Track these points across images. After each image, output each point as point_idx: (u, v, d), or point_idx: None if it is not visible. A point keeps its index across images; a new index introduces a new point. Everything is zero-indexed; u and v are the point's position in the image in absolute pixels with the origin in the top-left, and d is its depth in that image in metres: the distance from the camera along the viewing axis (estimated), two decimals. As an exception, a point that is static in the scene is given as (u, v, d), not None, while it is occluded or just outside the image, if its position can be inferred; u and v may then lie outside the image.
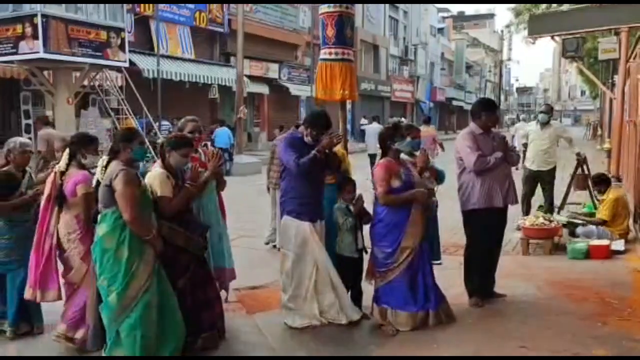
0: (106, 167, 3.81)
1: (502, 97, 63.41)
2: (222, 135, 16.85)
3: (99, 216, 3.70)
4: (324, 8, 5.50)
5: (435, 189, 4.88)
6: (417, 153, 4.73)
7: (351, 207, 4.62)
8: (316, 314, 4.44)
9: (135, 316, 3.60)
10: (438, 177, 4.92)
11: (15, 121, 16.22)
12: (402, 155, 4.51)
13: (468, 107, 53.51)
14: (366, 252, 4.70)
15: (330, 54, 5.55)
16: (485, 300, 5.00)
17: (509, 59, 67.34)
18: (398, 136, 4.42)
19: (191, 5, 21.37)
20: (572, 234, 7.21)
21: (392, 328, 4.35)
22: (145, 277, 3.63)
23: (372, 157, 13.81)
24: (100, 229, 3.66)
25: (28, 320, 4.39)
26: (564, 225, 7.28)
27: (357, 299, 4.74)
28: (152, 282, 3.65)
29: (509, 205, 5.07)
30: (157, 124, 16.93)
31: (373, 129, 14.76)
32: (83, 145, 4.10)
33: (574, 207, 8.54)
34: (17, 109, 16.15)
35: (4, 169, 4.46)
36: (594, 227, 7.07)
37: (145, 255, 3.65)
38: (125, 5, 15.30)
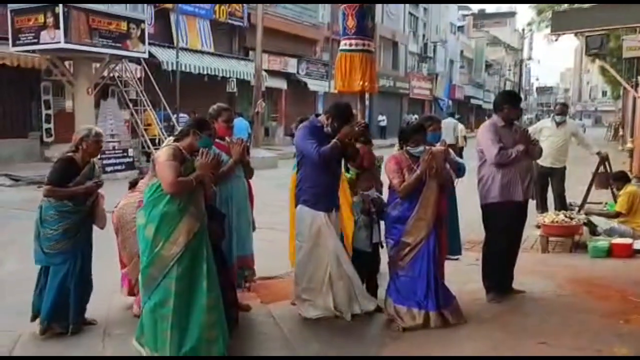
0: None
1: (522, 97, 62.70)
2: (240, 126, 16.83)
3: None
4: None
5: (455, 182, 4.80)
6: (438, 144, 4.66)
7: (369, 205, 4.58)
8: (330, 305, 4.38)
9: (155, 300, 3.51)
10: (458, 169, 4.83)
11: (36, 111, 16.40)
12: (422, 149, 4.42)
13: (486, 106, 53.33)
14: (382, 246, 4.63)
15: (350, 45, 5.47)
16: (503, 296, 4.90)
17: (530, 58, 66.45)
18: (415, 139, 4.34)
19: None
20: (593, 233, 7.07)
21: (399, 324, 4.25)
22: (169, 259, 3.49)
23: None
24: (142, 205, 3.67)
25: (63, 320, 4.18)
26: (585, 224, 7.15)
27: (373, 293, 4.68)
28: (176, 267, 3.50)
29: (529, 200, 4.97)
30: (175, 116, 16.99)
31: (448, 123, 15.51)
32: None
33: (594, 207, 8.37)
34: (38, 99, 16.34)
35: (69, 154, 4.27)
36: (616, 225, 6.94)
37: (173, 236, 3.51)
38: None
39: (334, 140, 4.25)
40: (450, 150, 4.63)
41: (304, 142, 4.35)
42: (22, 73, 15.00)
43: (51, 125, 16.37)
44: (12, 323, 4.44)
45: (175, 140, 3.74)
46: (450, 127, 16.12)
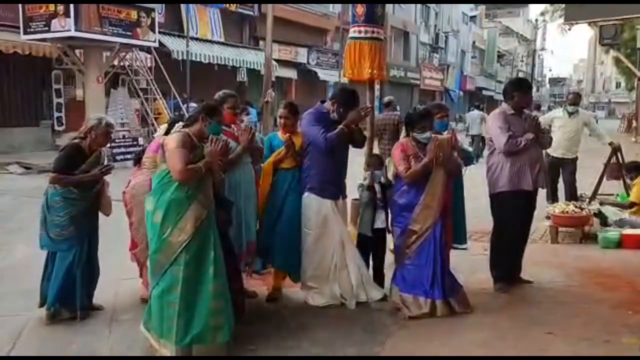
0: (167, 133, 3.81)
1: (534, 88, 62.20)
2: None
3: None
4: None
5: (464, 171, 4.76)
6: (445, 133, 4.62)
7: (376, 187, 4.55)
8: (336, 293, 4.38)
9: (163, 286, 3.50)
10: (466, 158, 4.78)
11: (47, 99, 16.48)
12: (428, 135, 4.38)
13: (498, 97, 52.78)
14: (389, 231, 4.60)
15: (360, 32, 5.39)
16: (511, 286, 4.86)
17: (543, 49, 65.83)
18: (421, 125, 4.30)
19: (222, -13, 21.33)
20: (604, 224, 6.99)
21: (405, 313, 4.23)
22: (177, 246, 3.47)
23: (473, 137, 16.17)
24: (151, 191, 3.67)
25: (70, 306, 4.19)
26: (595, 215, 7.07)
27: (379, 282, 4.67)
28: (184, 254, 3.49)
29: (539, 190, 4.92)
30: (185, 105, 17.00)
31: (475, 115, 16.63)
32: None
33: (607, 198, 8.28)
34: (49, 88, 16.42)
35: (76, 140, 4.27)
36: (627, 216, 6.86)
37: (181, 223, 3.49)
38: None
39: (340, 126, 4.22)
40: (459, 138, 4.58)
41: (309, 128, 4.33)
42: (33, 61, 15.06)
43: (62, 114, 16.44)
44: (21, 308, 4.47)
45: (184, 126, 3.70)
46: (477, 119, 16.12)
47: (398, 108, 8.88)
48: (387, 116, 7.79)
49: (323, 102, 4.61)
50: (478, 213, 6.16)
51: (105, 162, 4.42)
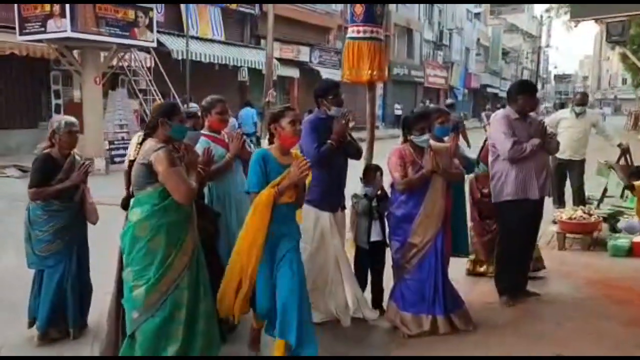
0: (141, 144, 3.30)
1: (539, 85, 61.77)
2: (247, 115, 16.60)
3: (132, 200, 3.27)
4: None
5: (466, 178, 4.51)
6: (446, 139, 4.38)
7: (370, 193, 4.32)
8: (332, 309, 4.15)
9: (161, 317, 3.18)
10: (468, 165, 4.54)
11: (45, 101, 16.31)
12: (430, 142, 4.14)
13: (503, 94, 52.38)
14: (386, 245, 4.37)
15: (358, 32, 5.16)
16: (517, 299, 4.63)
17: (548, 45, 65.35)
18: (419, 127, 4.05)
19: (223, -14, 21.13)
20: (613, 229, 6.75)
21: (404, 332, 4.01)
22: (180, 269, 3.21)
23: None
24: (134, 215, 3.21)
25: (61, 324, 4.01)
26: (604, 219, 6.82)
27: (376, 298, 4.45)
28: (186, 276, 3.24)
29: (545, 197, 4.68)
30: (185, 105, 16.79)
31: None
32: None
33: (614, 201, 8.03)
34: (48, 89, 16.24)
35: (46, 151, 4.02)
36: (637, 222, 6.60)
37: (184, 244, 3.23)
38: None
39: (329, 141, 4.01)
40: (460, 145, 4.34)
41: (304, 139, 4.10)
42: (31, 63, 14.90)
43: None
44: (3, 322, 4.29)
45: (145, 136, 3.31)
46: None
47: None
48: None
49: (310, 112, 4.38)
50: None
51: (80, 164, 4.10)
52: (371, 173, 4.39)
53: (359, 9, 5.18)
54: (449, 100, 10.24)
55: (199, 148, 3.82)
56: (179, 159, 3.29)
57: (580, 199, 7.72)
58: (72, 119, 4.16)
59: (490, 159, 4.73)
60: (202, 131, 4.19)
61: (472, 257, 5.32)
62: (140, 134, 3.48)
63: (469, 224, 5.03)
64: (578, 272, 5.47)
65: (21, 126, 15.51)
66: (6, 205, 9.28)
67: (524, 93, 4.59)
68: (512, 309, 4.52)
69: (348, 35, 5.28)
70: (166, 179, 3.13)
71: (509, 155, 4.45)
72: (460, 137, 9.96)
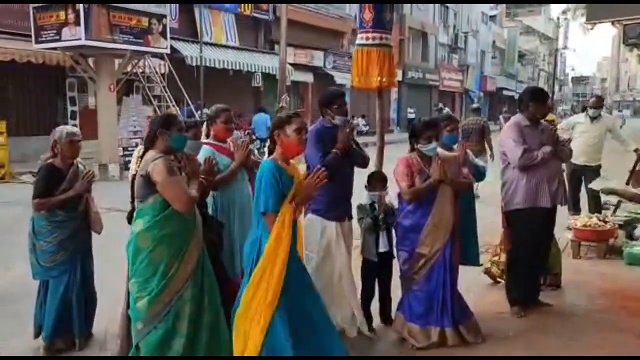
0: (142, 157, 3.33)
1: (557, 87, 61.17)
2: (260, 121, 16.58)
3: (135, 212, 3.29)
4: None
5: (475, 186, 4.43)
6: (455, 147, 4.30)
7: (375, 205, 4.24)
8: (338, 320, 4.08)
9: (164, 329, 3.18)
10: (477, 173, 4.45)
11: (61, 107, 16.47)
12: (439, 150, 4.07)
13: (520, 97, 52.01)
14: (393, 256, 4.30)
15: (367, 38, 5.13)
16: (528, 310, 4.54)
17: (565, 47, 64.62)
18: (426, 136, 3.98)
19: (236, -8, 21.20)
20: (630, 237, 6.59)
21: (412, 344, 3.94)
22: (183, 280, 3.21)
23: None
24: (137, 226, 3.23)
25: (67, 335, 4.00)
26: (620, 226, 6.68)
27: (384, 309, 4.39)
28: (190, 288, 3.23)
29: (558, 206, 4.58)
30: (199, 111, 16.86)
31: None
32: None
33: (631, 207, 7.87)
34: (64, 96, 16.40)
35: (49, 161, 4.02)
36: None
37: (187, 254, 3.23)
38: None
39: (334, 150, 3.96)
40: (469, 152, 4.26)
41: (310, 150, 4.05)
42: (47, 70, 15.05)
43: (77, 122, 16.41)
44: (9, 332, 4.30)
45: (146, 149, 3.33)
46: None
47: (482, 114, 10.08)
48: (474, 120, 9.92)
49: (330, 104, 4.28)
50: (496, 228, 5.81)
51: (84, 173, 4.08)
52: (378, 179, 4.33)
53: (368, 15, 5.15)
54: (474, 105, 10.63)
55: (202, 157, 3.80)
56: (178, 169, 3.28)
57: (595, 205, 7.56)
58: (74, 129, 4.16)
59: (500, 166, 4.65)
60: (208, 140, 4.18)
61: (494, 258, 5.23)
62: (141, 147, 3.48)
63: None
64: (592, 282, 5.35)
65: (37, 133, 15.64)
66: (23, 211, 9.32)
67: (535, 100, 4.51)
68: (523, 320, 4.43)
69: (357, 42, 5.26)
70: (164, 189, 3.13)
71: (519, 163, 4.37)
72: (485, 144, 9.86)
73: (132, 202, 3.37)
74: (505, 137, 4.52)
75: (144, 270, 3.17)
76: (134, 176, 3.34)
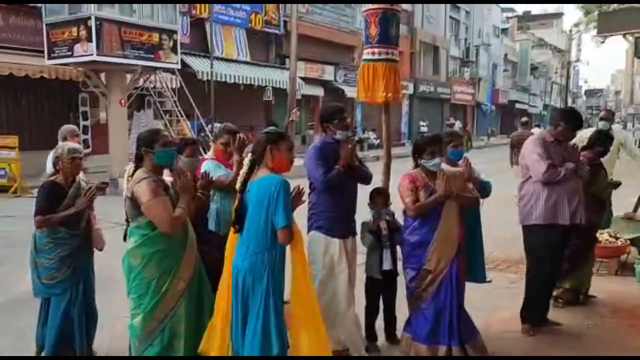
0: (132, 176, 3.37)
1: (570, 100, 60.77)
2: (271, 136, 16.57)
3: (128, 230, 3.34)
4: (367, 5, 5.14)
5: (480, 203, 4.36)
6: (460, 162, 4.25)
7: (382, 224, 4.19)
8: (341, 339, 4.02)
9: (159, 346, 3.20)
10: (483, 189, 4.38)
11: (74, 122, 16.60)
12: (444, 165, 4.02)
13: (532, 110, 51.67)
14: (397, 274, 4.24)
15: (373, 53, 5.16)
16: (538, 328, 4.44)
17: (578, 60, 64.28)
18: (429, 151, 3.93)
19: (247, 7, 21.37)
20: (643, 253, 6.47)
21: None
22: (177, 297, 3.23)
23: None
24: (129, 244, 3.29)
25: (68, 352, 3.95)
26: (632, 243, 6.55)
27: (389, 327, 4.32)
28: (182, 303, 3.25)
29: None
30: (210, 126, 16.94)
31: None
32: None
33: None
34: (76, 111, 16.56)
35: (51, 178, 4.02)
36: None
37: (178, 272, 3.25)
38: (179, 6, 15.34)
39: (336, 167, 3.92)
40: (475, 168, 4.20)
41: (311, 166, 4.02)
42: (60, 85, 15.24)
43: (89, 137, 16.56)
44: (10, 348, 4.29)
45: (136, 167, 3.37)
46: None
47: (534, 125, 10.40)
48: (522, 133, 10.09)
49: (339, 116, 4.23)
50: (505, 241, 5.74)
51: (86, 188, 4.05)
52: (381, 196, 4.28)
53: (374, 30, 5.18)
54: (524, 119, 11.22)
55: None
56: (164, 189, 3.29)
57: (607, 222, 7.42)
58: (76, 145, 4.15)
59: (520, 179, 4.58)
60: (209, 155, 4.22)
61: None
62: (131, 166, 3.49)
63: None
64: (603, 300, 5.24)
65: (50, 147, 15.62)
66: (33, 226, 9.39)
67: (567, 122, 4.45)
68: (532, 339, 4.35)
69: (363, 57, 5.28)
70: (147, 211, 3.18)
71: (543, 178, 4.32)
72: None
73: (127, 220, 3.39)
74: (529, 151, 4.46)
75: (137, 288, 3.24)
76: (127, 196, 3.37)
